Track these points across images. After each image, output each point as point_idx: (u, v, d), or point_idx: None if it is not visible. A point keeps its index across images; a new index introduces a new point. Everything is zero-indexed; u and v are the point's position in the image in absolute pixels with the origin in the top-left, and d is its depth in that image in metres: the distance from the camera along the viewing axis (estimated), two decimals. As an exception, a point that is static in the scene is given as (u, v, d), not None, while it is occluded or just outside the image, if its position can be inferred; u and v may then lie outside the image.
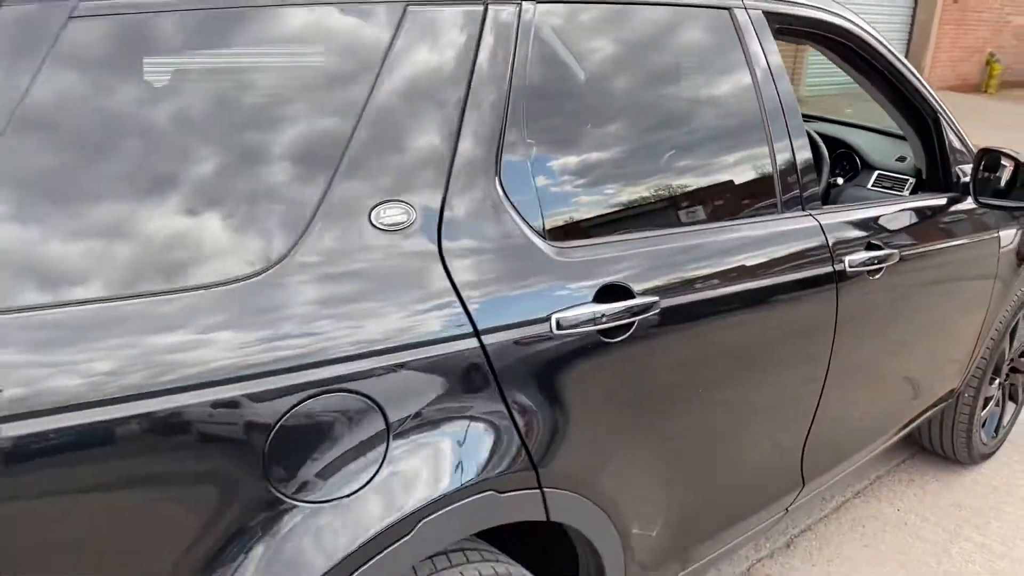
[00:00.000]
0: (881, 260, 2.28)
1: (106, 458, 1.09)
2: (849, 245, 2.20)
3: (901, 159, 3.14)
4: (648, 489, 1.81)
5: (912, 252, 2.45)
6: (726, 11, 2.00)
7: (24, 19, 1.09)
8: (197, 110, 1.23)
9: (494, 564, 1.56)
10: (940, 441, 3.41)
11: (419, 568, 1.45)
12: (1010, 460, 3.62)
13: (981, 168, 2.67)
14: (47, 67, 1.09)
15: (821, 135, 3.23)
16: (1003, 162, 2.72)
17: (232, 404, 1.17)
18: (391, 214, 1.38)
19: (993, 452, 3.60)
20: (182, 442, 1.15)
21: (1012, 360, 3.52)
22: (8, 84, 1.07)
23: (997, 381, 3.47)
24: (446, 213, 1.44)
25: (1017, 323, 3.36)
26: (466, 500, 1.42)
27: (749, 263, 1.92)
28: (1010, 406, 3.65)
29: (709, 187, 1.96)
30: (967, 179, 2.74)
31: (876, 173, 3.15)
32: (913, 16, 16.54)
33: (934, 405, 3.04)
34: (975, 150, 2.78)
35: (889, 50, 2.52)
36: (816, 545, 2.99)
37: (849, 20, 2.39)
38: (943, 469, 3.51)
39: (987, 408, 3.47)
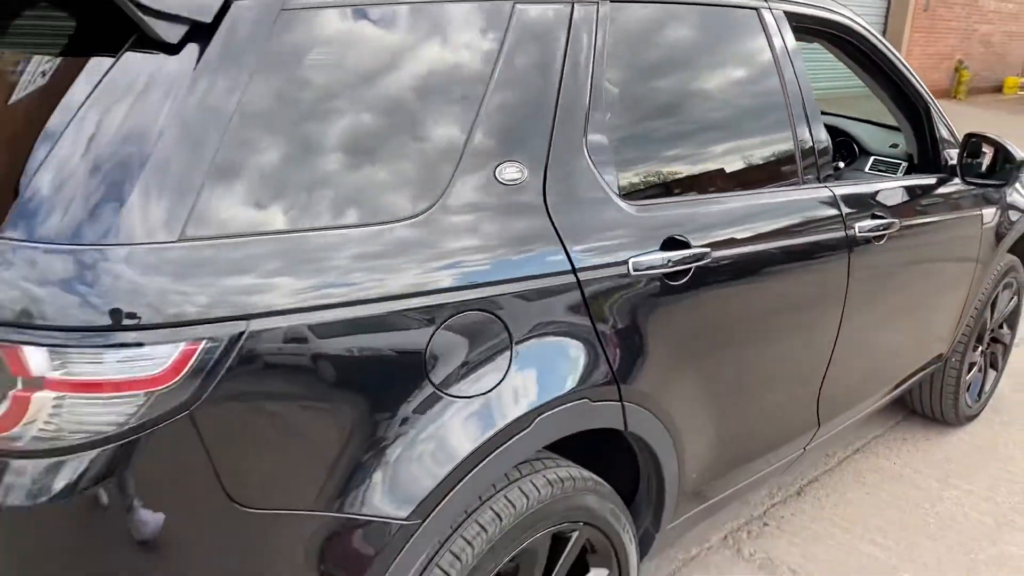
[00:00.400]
0: (884, 228, 2.63)
1: (323, 351, 1.40)
2: (858, 214, 2.55)
3: (894, 146, 3.50)
4: (701, 413, 2.14)
5: (909, 223, 2.80)
6: (755, 11, 2.34)
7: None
8: (392, 94, 1.55)
9: (568, 468, 1.87)
10: (930, 404, 3.77)
11: (511, 473, 1.76)
12: (991, 422, 3.98)
13: (966, 152, 3.04)
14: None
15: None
16: (984, 148, 3.09)
17: (405, 314, 1.49)
18: (509, 172, 1.70)
19: (977, 414, 3.97)
20: (372, 342, 1.46)
21: (992, 330, 3.89)
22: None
23: (980, 349, 3.83)
24: (548, 174, 1.76)
25: (996, 296, 3.73)
26: (568, 404, 1.74)
27: (778, 225, 2.26)
28: (991, 373, 4.02)
29: (745, 160, 2.30)
30: (954, 162, 3.11)
31: (872, 158, 3.51)
32: (885, 23, 17.11)
33: (926, 366, 3.40)
34: (959, 138, 3.15)
35: (887, 47, 2.88)
36: (824, 493, 3.33)
37: (853, 20, 2.75)
38: (933, 429, 3.87)
39: (971, 373, 3.83)
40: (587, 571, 2.00)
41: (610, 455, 2.10)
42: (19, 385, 1.23)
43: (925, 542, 3.06)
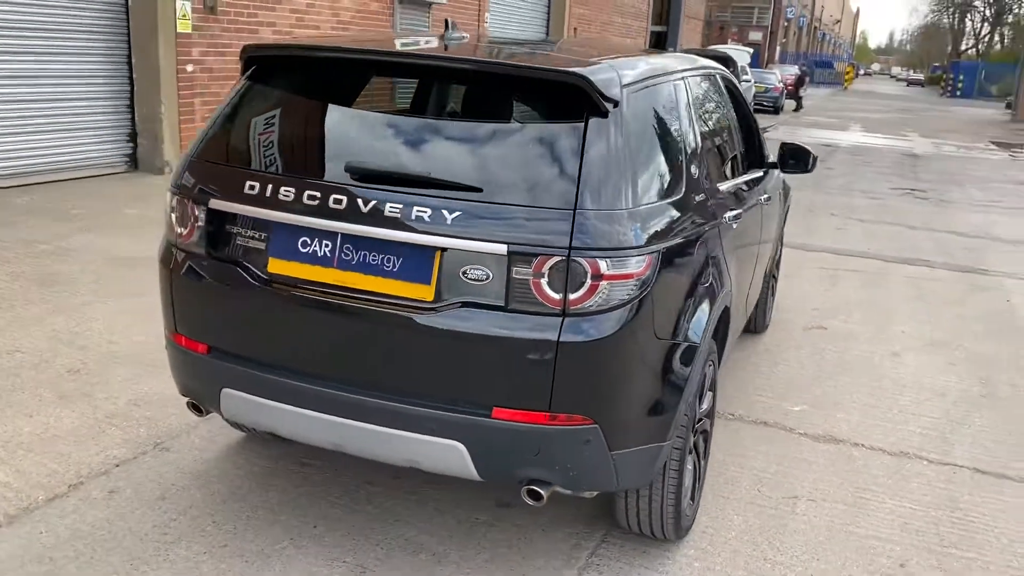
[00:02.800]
0: (764, 195, 4.40)
1: (685, 260, 2.74)
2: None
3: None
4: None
5: (764, 196, 4.60)
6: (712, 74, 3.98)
7: None
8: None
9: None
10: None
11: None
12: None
13: (781, 152, 4.92)
14: None
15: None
16: (788, 148, 4.98)
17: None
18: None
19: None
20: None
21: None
22: None
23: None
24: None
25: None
26: None
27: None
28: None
29: (732, 166, 3.92)
30: (772, 159, 4.95)
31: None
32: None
33: (767, 290, 5.29)
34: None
35: (736, 86, 4.64)
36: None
37: (727, 73, 4.49)
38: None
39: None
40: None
41: None
42: (590, 279, 2.43)
43: None
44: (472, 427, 2.50)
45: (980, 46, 69.22)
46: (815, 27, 73.79)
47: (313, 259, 2.61)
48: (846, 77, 61.48)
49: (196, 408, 2.99)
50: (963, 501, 3.66)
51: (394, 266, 2.52)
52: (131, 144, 9.62)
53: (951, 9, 74.29)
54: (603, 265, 2.44)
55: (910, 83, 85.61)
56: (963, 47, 76.16)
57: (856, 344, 5.70)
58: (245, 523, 3.12)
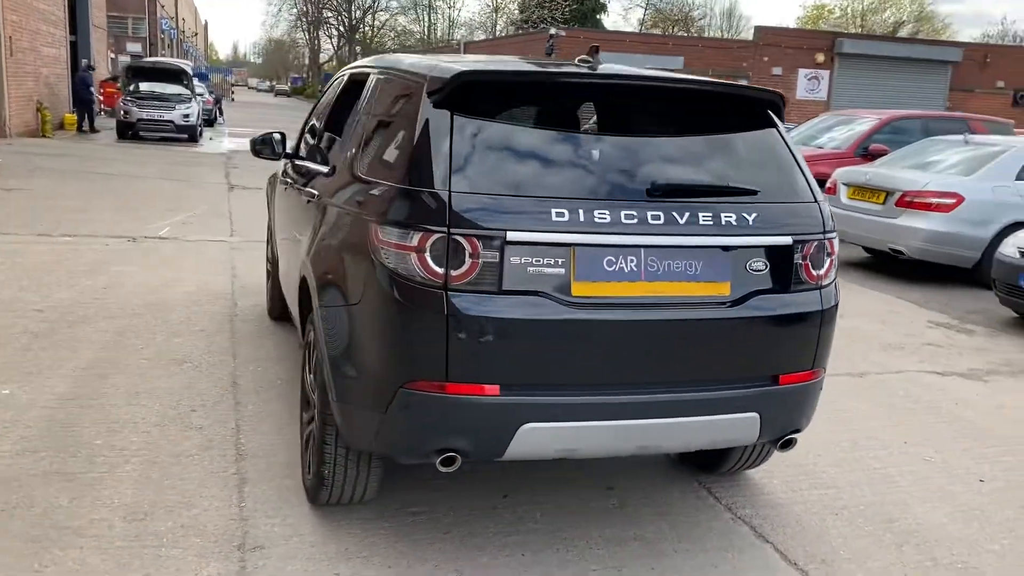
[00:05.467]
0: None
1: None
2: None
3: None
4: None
5: None
6: None
7: None
8: None
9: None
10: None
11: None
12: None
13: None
14: None
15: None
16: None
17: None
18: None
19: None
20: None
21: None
22: None
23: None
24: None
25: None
26: None
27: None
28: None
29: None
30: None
31: None
32: None
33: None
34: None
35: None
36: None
37: None
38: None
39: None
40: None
41: None
42: (829, 257, 3.04)
43: None
44: (765, 397, 2.93)
45: (340, 59, 76.86)
46: (181, 39, 73.80)
47: (620, 276, 2.71)
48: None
49: (450, 462, 2.75)
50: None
51: (696, 270, 2.79)
52: None
53: (306, 25, 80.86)
54: (836, 244, 3.08)
55: (277, 93, 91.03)
56: (322, 60, 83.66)
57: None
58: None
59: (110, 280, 6.76)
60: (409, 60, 3.33)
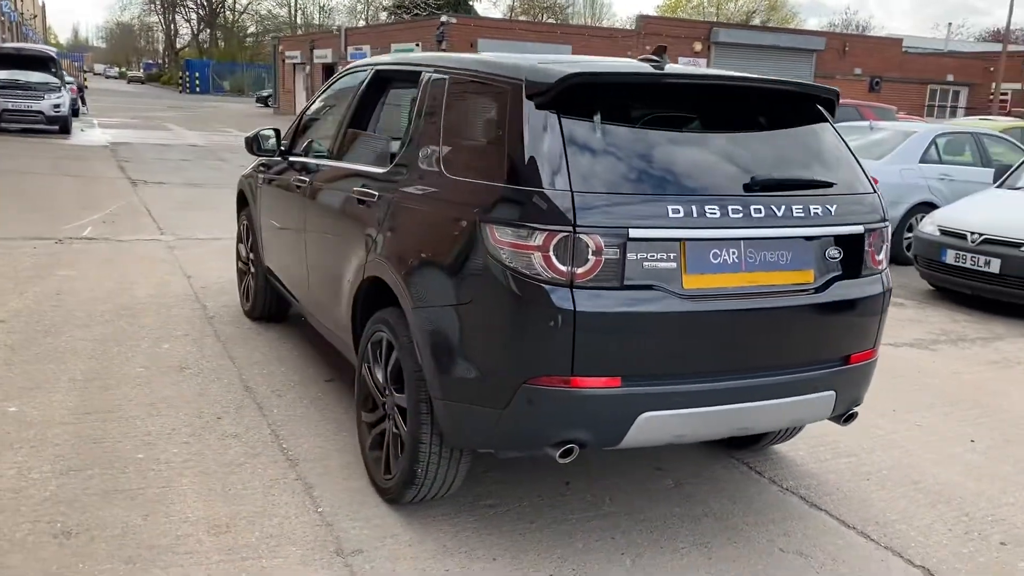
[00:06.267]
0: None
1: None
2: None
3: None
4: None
5: None
6: None
7: None
8: None
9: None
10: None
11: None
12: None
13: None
14: None
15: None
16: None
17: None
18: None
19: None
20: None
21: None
22: None
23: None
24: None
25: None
26: None
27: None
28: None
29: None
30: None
31: None
32: None
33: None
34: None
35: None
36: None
37: None
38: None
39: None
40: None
41: None
42: (886, 245, 3.30)
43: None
44: (840, 375, 3.15)
45: (200, 44, 73.76)
46: (20, 22, 68.89)
47: (724, 268, 2.87)
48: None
49: (569, 453, 2.83)
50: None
51: (786, 259, 2.98)
52: None
53: (161, 8, 77.10)
54: (889, 232, 3.33)
55: (131, 80, 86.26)
56: (179, 45, 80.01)
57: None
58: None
59: (60, 285, 6.39)
60: (480, 59, 3.35)
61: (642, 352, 2.80)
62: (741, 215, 2.86)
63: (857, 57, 31.10)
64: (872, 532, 3.41)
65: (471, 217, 2.88)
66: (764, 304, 2.94)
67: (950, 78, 32.44)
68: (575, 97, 2.84)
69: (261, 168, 5.41)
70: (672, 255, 2.79)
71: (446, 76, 3.39)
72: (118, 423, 3.99)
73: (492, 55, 3.49)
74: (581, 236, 2.68)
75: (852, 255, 3.13)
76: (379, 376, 3.44)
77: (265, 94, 49.08)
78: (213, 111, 38.80)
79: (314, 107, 4.99)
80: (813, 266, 3.05)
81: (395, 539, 3.16)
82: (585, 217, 2.68)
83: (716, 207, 2.83)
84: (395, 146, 3.67)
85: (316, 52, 37.93)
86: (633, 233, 2.71)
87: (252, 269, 5.67)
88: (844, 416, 3.31)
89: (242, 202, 5.91)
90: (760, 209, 2.90)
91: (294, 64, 41.54)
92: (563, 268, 2.69)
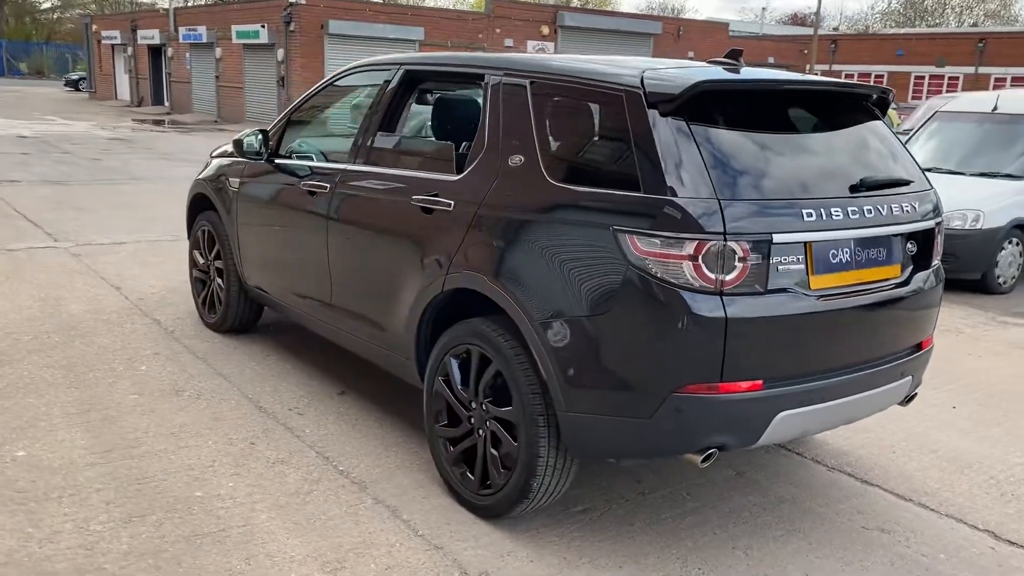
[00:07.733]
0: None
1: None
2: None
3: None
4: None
5: None
6: None
7: None
8: None
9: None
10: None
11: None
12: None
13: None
14: None
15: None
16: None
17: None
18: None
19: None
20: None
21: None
22: None
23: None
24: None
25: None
26: None
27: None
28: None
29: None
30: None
31: None
32: None
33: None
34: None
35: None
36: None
37: None
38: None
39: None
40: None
41: None
42: (942, 239, 3.53)
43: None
44: (915, 361, 3.36)
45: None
46: None
47: (840, 267, 2.99)
48: None
49: (710, 457, 2.87)
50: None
51: (883, 255, 3.14)
52: None
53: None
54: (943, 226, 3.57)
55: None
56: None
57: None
58: (701, 558, 3.13)
59: (-22, 306, 5.71)
60: (570, 65, 3.28)
61: (781, 354, 2.88)
62: (857, 215, 2.99)
63: (691, 40, 32.60)
64: (928, 503, 3.68)
65: (603, 227, 2.84)
66: (871, 299, 3.09)
67: (771, 60, 34.59)
68: (700, 104, 2.86)
69: (234, 171, 5.03)
70: (799, 257, 2.88)
71: (525, 80, 3.30)
72: (149, 459, 3.65)
73: (574, 58, 3.44)
74: (731, 244, 2.71)
75: (925, 248, 3.34)
76: (461, 389, 3.34)
77: (75, 77, 45.38)
78: (19, 96, 35.52)
79: (308, 108, 4.70)
80: (900, 260, 3.23)
81: (513, 556, 3.09)
82: (734, 225, 2.71)
83: (839, 209, 2.94)
84: (457, 152, 3.55)
85: (141, 33, 35.38)
86: (777, 239, 2.77)
87: (216, 279, 5.30)
88: (908, 398, 3.53)
89: (198, 207, 5.49)
90: (870, 209, 3.03)
91: (112, 45, 38.54)
92: (712, 276, 2.71)
